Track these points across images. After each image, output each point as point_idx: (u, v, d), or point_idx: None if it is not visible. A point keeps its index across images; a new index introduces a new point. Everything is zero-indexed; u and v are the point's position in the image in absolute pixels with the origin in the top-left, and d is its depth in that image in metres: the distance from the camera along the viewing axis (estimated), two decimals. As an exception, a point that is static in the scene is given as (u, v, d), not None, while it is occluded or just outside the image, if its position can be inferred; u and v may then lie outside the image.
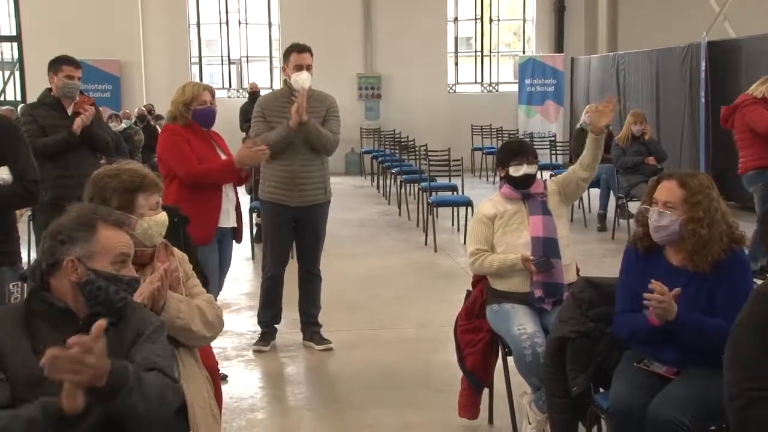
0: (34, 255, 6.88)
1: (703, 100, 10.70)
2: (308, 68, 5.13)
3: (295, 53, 5.15)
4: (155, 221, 2.89)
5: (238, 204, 4.81)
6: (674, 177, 3.07)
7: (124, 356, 2.30)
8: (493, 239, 3.96)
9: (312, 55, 5.19)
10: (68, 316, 2.31)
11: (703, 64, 10.68)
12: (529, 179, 4.00)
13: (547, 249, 3.86)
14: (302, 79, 5.07)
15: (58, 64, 5.59)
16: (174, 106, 4.64)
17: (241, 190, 5.27)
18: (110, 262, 2.33)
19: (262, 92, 11.33)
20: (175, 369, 2.52)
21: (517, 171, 3.98)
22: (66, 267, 2.29)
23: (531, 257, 3.82)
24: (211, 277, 4.40)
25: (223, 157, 4.71)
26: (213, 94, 4.73)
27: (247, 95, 14.99)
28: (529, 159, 4.00)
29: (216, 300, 4.67)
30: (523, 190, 3.99)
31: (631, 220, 8.87)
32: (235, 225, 4.78)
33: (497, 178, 13.71)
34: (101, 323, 2.04)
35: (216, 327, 2.91)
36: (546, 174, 9.31)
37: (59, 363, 1.98)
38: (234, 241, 4.85)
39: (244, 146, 4.74)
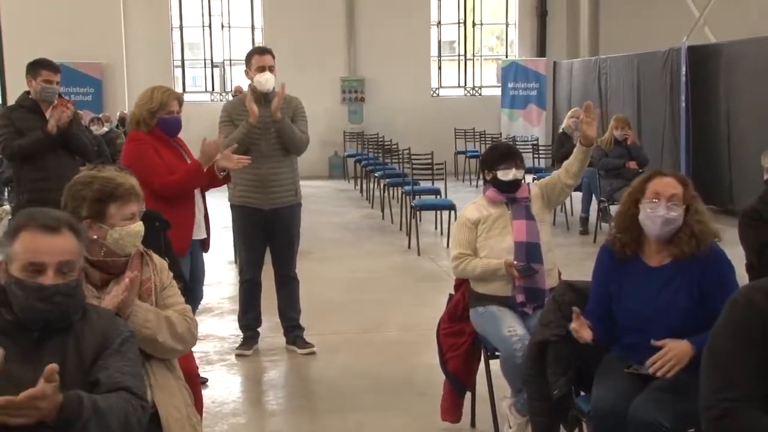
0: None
1: (683, 104, 10.78)
2: (270, 69, 5.11)
3: (257, 55, 5.14)
4: (128, 231, 2.77)
5: (206, 214, 4.69)
6: (669, 175, 3.14)
7: (86, 369, 2.26)
8: (477, 243, 3.96)
9: (273, 57, 5.18)
10: (22, 328, 2.26)
11: (683, 69, 10.77)
12: (517, 183, 3.99)
13: (529, 253, 3.86)
14: (265, 80, 5.06)
15: (36, 68, 5.54)
16: (138, 110, 4.45)
17: (221, 194, 5.25)
18: (19, 268, 2.25)
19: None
20: (145, 384, 2.45)
21: (506, 175, 3.96)
22: None
23: (514, 262, 3.83)
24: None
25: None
26: (181, 103, 4.56)
27: (231, 98, 14.97)
28: (517, 164, 3.98)
29: (198, 307, 4.64)
30: (509, 193, 3.97)
31: (613, 224, 8.96)
32: (205, 236, 4.65)
33: (481, 182, 13.80)
34: (52, 367, 2.00)
35: (187, 340, 2.80)
36: (529, 178, 9.34)
37: (11, 410, 1.97)
38: (202, 251, 4.72)
39: (202, 145, 4.50)
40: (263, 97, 5.11)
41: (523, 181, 4.04)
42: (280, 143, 5.12)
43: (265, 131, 5.07)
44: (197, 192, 4.59)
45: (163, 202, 4.31)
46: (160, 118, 4.43)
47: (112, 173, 2.86)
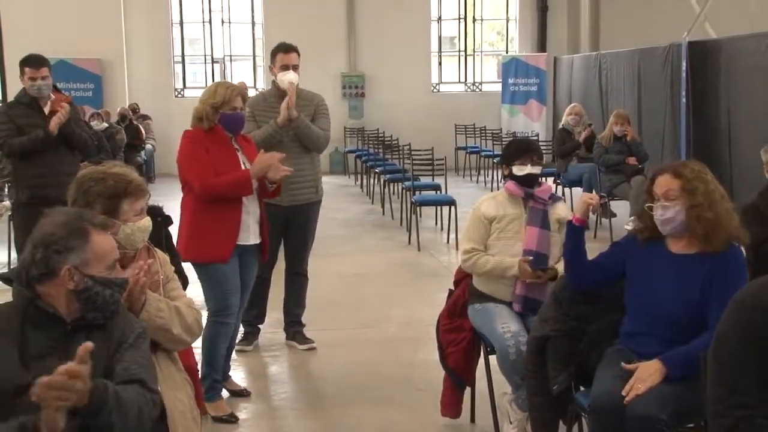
0: (14, 254, 6.84)
1: (684, 99, 10.76)
2: (294, 68, 5.14)
3: (282, 53, 5.17)
4: (138, 227, 2.84)
5: (263, 218, 4.42)
6: (667, 170, 3.12)
7: (108, 361, 2.29)
8: (488, 240, 3.93)
9: (299, 55, 5.21)
10: (56, 320, 2.30)
11: (683, 64, 10.74)
12: (532, 179, 3.96)
13: (536, 263, 3.82)
14: (288, 79, 5.08)
15: (21, 66, 5.53)
16: (202, 106, 4.24)
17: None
18: (105, 267, 2.33)
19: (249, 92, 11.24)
20: (156, 379, 2.49)
21: (521, 170, 3.94)
22: (63, 276, 2.28)
23: (529, 258, 3.79)
24: (222, 297, 4.22)
25: (248, 164, 4.31)
26: (245, 99, 4.41)
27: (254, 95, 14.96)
28: (533, 159, 3.95)
29: (239, 314, 4.48)
30: (528, 188, 3.93)
31: (614, 219, 9.00)
32: (258, 241, 4.40)
33: (482, 177, 13.82)
34: (88, 345, 2.03)
35: (195, 331, 2.88)
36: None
37: (50, 392, 1.98)
38: (259, 258, 4.52)
39: (259, 156, 4.30)
40: (288, 91, 5.10)
41: (543, 180, 4.02)
42: (300, 140, 5.13)
43: (287, 129, 5.08)
44: (252, 196, 4.37)
45: (208, 202, 4.17)
46: (223, 114, 4.23)
47: (121, 169, 2.91)
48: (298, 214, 5.19)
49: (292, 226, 5.22)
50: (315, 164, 5.30)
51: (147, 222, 2.89)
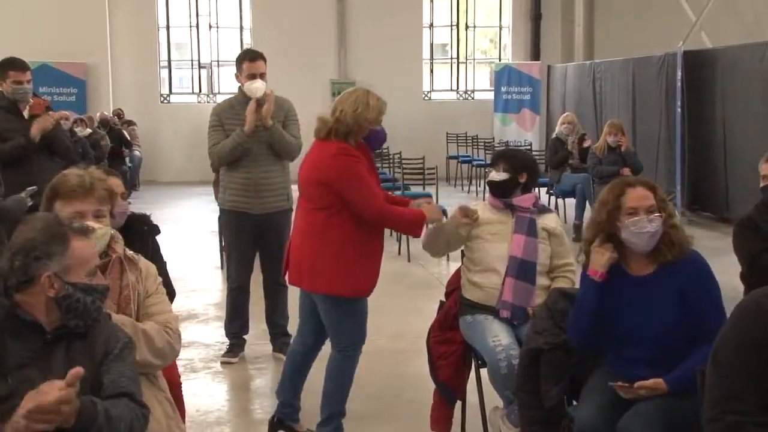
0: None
1: (679, 109, 10.73)
2: (261, 76, 5.01)
3: (247, 62, 5.02)
4: None
5: None
6: (639, 184, 3.08)
7: (94, 372, 2.24)
8: (473, 243, 3.90)
9: (265, 61, 5.08)
10: (35, 329, 2.24)
11: (679, 74, 10.71)
12: (502, 186, 3.92)
13: (522, 271, 3.78)
14: (255, 88, 4.95)
15: (4, 69, 5.42)
16: (353, 119, 3.71)
17: (210, 198, 5.12)
18: (86, 274, 2.27)
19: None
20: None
21: (491, 178, 3.99)
22: (43, 283, 2.22)
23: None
24: (360, 330, 3.94)
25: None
26: None
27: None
28: (502, 166, 3.95)
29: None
30: (503, 198, 3.91)
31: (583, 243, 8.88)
32: None
33: (473, 187, 13.76)
34: (78, 371, 1.99)
35: (166, 354, 2.72)
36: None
37: (36, 414, 1.95)
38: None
39: (432, 206, 3.95)
40: (266, 101, 4.99)
41: (518, 191, 3.93)
42: (271, 148, 5.02)
43: (257, 135, 4.97)
44: None
45: (361, 229, 3.74)
46: (372, 130, 3.81)
47: (70, 171, 2.79)
48: (269, 223, 5.09)
49: (265, 235, 5.13)
50: (285, 172, 5.18)
51: (101, 231, 2.68)
